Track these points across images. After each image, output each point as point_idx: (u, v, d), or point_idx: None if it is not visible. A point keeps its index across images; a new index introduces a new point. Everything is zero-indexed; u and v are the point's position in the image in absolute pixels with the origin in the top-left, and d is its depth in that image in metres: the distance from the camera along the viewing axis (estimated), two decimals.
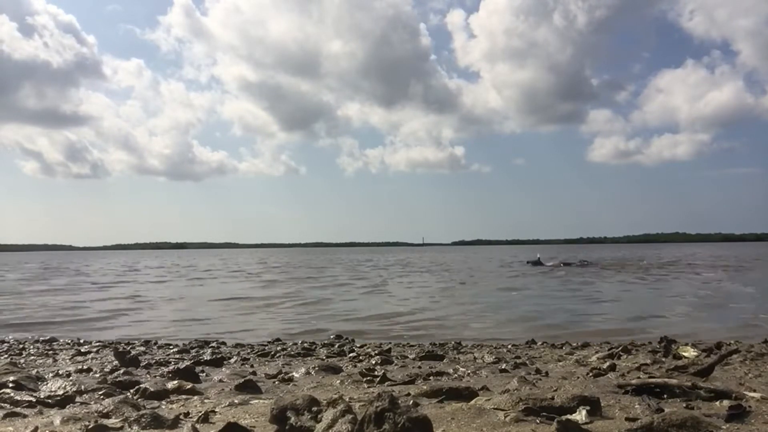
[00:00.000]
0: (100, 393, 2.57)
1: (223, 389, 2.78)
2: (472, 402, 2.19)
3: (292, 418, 1.90)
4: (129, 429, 1.93)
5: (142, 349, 4.47)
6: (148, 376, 3.16)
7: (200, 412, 2.14)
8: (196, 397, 2.56)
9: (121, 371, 3.26)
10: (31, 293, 10.99)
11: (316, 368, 3.31)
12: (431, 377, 3.08)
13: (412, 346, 4.61)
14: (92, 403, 2.41)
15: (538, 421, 1.89)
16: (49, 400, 2.40)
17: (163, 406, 2.35)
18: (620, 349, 3.90)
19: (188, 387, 2.70)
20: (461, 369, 3.35)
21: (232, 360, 3.87)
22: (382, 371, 3.14)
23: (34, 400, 2.38)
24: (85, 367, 3.44)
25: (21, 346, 4.73)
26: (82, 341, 5.06)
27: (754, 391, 2.36)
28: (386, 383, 2.88)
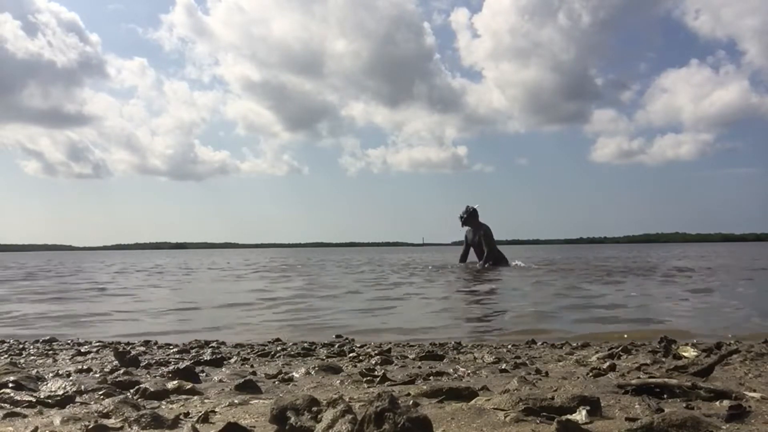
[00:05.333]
0: (100, 393, 2.57)
1: (223, 389, 2.78)
2: (472, 402, 2.19)
3: (292, 418, 1.90)
4: (129, 429, 1.93)
5: (142, 349, 4.46)
6: (148, 376, 3.15)
7: (200, 412, 2.14)
8: (196, 397, 2.56)
9: (121, 371, 3.26)
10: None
11: (316, 368, 3.30)
12: (431, 377, 3.08)
13: (412, 346, 4.60)
14: (92, 403, 2.40)
15: (538, 421, 1.89)
16: (49, 400, 2.39)
17: (163, 406, 2.35)
18: (620, 349, 3.90)
19: (188, 387, 2.69)
20: (461, 369, 3.34)
21: (232, 360, 3.86)
22: (382, 371, 3.13)
23: (34, 400, 2.38)
24: (85, 367, 3.43)
25: (21, 346, 4.73)
26: (82, 341, 5.05)
27: (754, 391, 2.36)
28: (386, 383, 2.88)
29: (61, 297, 10.00)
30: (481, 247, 17.77)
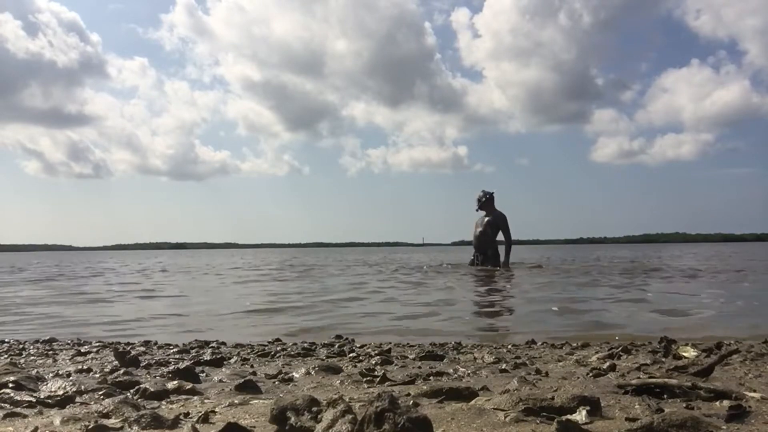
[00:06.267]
0: (100, 393, 2.57)
1: (223, 389, 2.78)
2: (472, 402, 2.19)
3: (292, 418, 1.90)
4: (129, 429, 1.93)
5: (142, 349, 4.46)
6: (148, 376, 3.15)
7: (200, 412, 2.14)
8: (196, 397, 2.56)
9: (121, 371, 3.25)
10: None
11: (316, 368, 3.30)
12: (431, 377, 3.07)
13: (412, 346, 4.60)
14: (92, 403, 2.40)
15: (538, 422, 1.89)
16: (49, 400, 2.39)
17: (163, 406, 2.34)
18: (620, 349, 3.89)
19: (188, 387, 2.69)
20: (461, 369, 3.34)
21: (232, 360, 3.86)
22: (382, 371, 3.13)
23: (34, 400, 2.38)
24: (85, 367, 3.43)
25: (21, 346, 4.73)
26: (82, 341, 5.05)
27: (754, 391, 2.36)
28: (386, 383, 2.88)
29: (95, 299, 9.97)
30: (487, 235, 17.61)
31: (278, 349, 4.42)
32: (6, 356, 4.13)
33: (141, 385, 2.64)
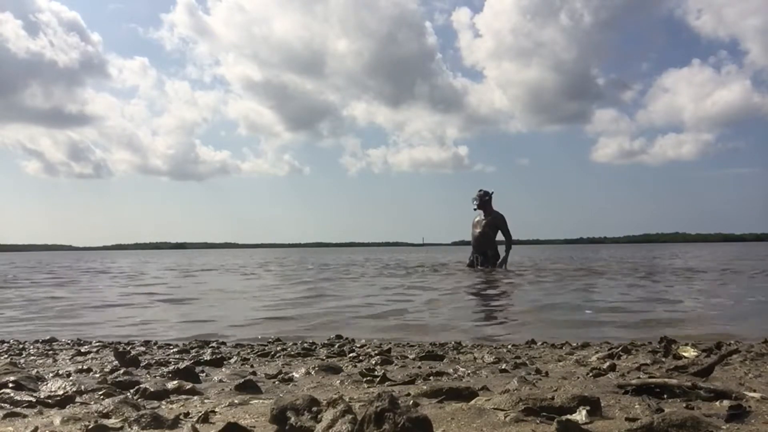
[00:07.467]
0: (100, 393, 2.57)
1: (223, 389, 2.78)
2: (472, 402, 2.19)
3: (292, 418, 1.90)
4: (129, 429, 1.93)
5: (142, 349, 4.47)
6: (148, 376, 3.16)
7: (200, 412, 2.14)
8: (196, 397, 2.56)
9: (121, 371, 3.26)
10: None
11: (316, 368, 3.30)
12: (431, 377, 3.08)
13: (412, 346, 4.60)
14: (92, 403, 2.40)
15: (538, 421, 1.89)
16: (49, 400, 2.40)
17: (163, 406, 2.35)
18: (620, 349, 3.90)
19: (188, 387, 2.70)
20: (461, 369, 3.34)
21: (232, 360, 3.86)
22: (382, 371, 3.13)
23: (34, 400, 2.38)
24: (85, 367, 3.43)
25: (21, 346, 4.73)
26: (82, 341, 5.05)
27: (754, 391, 2.36)
28: (386, 383, 2.88)
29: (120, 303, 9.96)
30: (487, 235, 17.56)
31: (278, 349, 4.42)
32: (6, 356, 4.13)
33: (141, 385, 2.64)
